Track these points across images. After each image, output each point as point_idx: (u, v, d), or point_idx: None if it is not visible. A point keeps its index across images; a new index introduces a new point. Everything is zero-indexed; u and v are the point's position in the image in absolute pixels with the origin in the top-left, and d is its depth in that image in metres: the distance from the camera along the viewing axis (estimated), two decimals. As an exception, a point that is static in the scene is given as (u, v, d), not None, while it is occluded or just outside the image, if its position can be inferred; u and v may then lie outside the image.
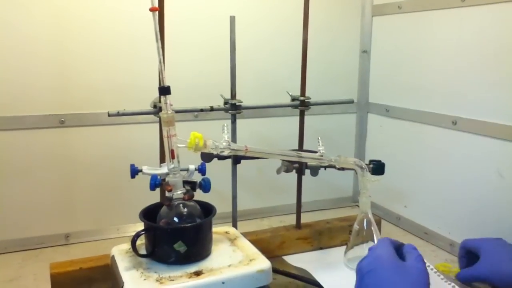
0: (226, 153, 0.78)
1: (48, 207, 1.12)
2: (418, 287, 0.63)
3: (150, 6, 0.70)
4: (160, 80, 0.74)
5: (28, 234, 1.11)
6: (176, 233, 0.71)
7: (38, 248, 1.11)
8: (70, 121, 1.10)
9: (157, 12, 0.71)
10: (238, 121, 1.02)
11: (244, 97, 0.99)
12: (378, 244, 0.72)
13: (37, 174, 1.10)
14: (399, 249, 0.72)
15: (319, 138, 0.90)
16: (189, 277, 0.68)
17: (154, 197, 0.86)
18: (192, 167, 0.83)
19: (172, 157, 0.74)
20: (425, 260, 0.95)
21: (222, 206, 1.03)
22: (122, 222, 1.16)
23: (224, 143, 0.77)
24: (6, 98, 1.05)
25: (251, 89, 1.21)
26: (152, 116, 0.90)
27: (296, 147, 1.05)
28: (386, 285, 0.63)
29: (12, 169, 1.08)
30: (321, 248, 1.04)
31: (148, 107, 0.90)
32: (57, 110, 1.09)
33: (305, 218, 1.10)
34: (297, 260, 0.99)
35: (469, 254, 0.92)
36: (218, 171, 0.98)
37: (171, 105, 0.89)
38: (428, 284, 0.64)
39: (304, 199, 1.33)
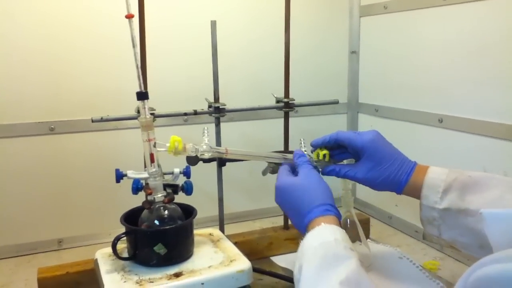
0: (207, 156, 0.79)
1: (40, 213, 1.13)
2: (308, 185, 0.70)
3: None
4: (139, 85, 0.75)
5: (21, 240, 1.12)
6: (156, 236, 0.73)
7: (31, 254, 1.13)
8: (59, 128, 1.12)
9: (133, 19, 0.72)
10: (227, 124, 1.02)
11: (233, 101, 1.00)
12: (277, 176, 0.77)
13: (29, 181, 1.11)
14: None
15: (302, 139, 0.91)
16: (169, 279, 0.69)
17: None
18: (176, 170, 0.84)
19: (152, 161, 0.75)
20: (411, 258, 0.96)
21: (212, 209, 1.05)
22: (115, 227, 1.16)
23: (204, 146, 0.78)
24: (-4, 106, 1.07)
25: (239, 92, 1.22)
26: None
27: (283, 149, 1.06)
28: (287, 199, 0.71)
29: (3, 177, 1.09)
30: (309, 249, 1.04)
31: (133, 113, 0.91)
32: (47, 118, 1.10)
33: (296, 219, 1.11)
34: (285, 261, 0.99)
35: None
36: (207, 174, 0.99)
37: (154, 110, 0.92)
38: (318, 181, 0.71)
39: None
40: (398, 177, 0.74)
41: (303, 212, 0.67)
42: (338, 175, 0.78)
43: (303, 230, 0.66)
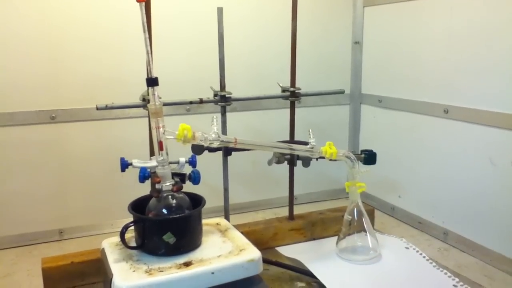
0: (215, 144, 0.78)
1: (41, 203, 1.12)
2: None
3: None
4: (148, 71, 0.73)
5: (22, 230, 1.11)
6: (165, 225, 0.71)
7: (32, 244, 1.11)
8: (61, 117, 1.10)
9: (143, 3, 0.70)
10: (231, 114, 1.01)
11: (238, 91, 0.99)
12: None
13: (30, 170, 1.10)
14: None
15: (310, 130, 0.90)
16: (179, 268, 0.68)
17: (148, 190, 0.86)
18: (182, 159, 0.83)
19: (161, 148, 0.73)
20: (418, 249, 0.96)
21: (216, 199, 1.04)
22: (116, 217, 1.16)
23: (213, 135, 0.77)
24: (-3, 94, 1.05)
25: (244, 82, 1.21)
26: (142, 110, 0.89)
27: (289, 138, 1.05)
28: None
29: (3, 165, 1.08)
30: (314, 239, 1.04)
31: (138, 101, 0.90)
32: (48, 106, 1.09)
33: (300, 210, 1.10)
34: (290, 251, 0.99)
35: None
36: (211, 165, 0.98)
37: (160, 97, 0.90)
38: None
39: (299, 191, 1.34)
40: None
41: None
42: None
43: None
